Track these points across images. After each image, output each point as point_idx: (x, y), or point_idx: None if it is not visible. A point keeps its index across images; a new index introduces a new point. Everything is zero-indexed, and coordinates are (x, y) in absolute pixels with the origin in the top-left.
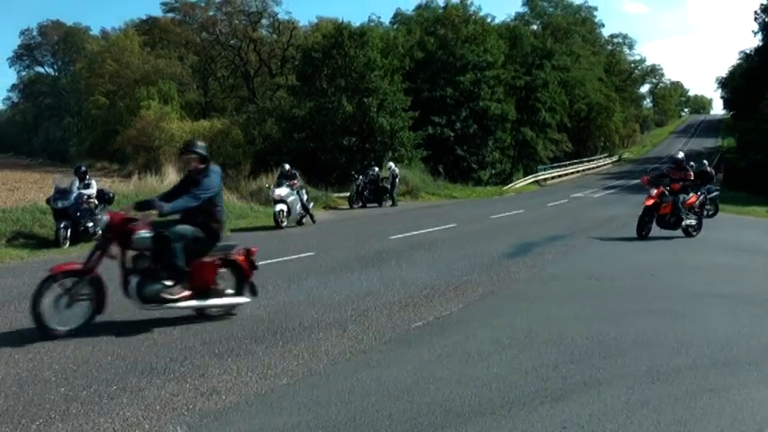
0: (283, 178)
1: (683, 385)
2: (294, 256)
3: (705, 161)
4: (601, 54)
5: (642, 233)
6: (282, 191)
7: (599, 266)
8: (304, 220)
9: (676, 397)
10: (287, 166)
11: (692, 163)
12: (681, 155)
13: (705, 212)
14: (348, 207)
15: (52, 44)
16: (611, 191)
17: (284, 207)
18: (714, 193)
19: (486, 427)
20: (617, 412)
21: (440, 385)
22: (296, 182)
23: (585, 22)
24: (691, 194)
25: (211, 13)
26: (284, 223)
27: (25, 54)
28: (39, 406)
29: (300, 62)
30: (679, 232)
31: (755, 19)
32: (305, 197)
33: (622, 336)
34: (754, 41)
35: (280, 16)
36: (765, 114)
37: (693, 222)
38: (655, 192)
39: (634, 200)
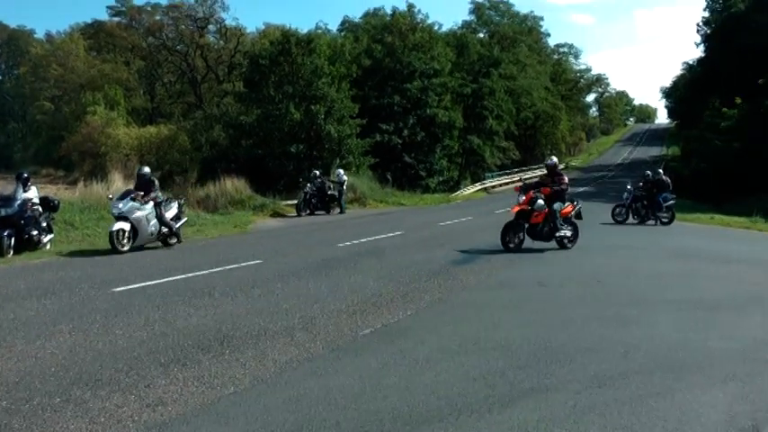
0: (138, 188)
1: (629, 390)
2: (242, 264)
3: (660, 170)
4: (547, 63)
5: (510, 245)
6: (124, 205)
7: (547, 273)
8: (171, 240)
9: (623, 401)
10: (146, 170)
11: (657, 170)
12: (553, 159)
13: (660, 219)
14: (296, 215)
15: None
16: None
17: (125, 226)
18: (670, 202)
19: None
20: (564, 417)
21: (387, 393)
22: (153, 193)
23: (532, 31)
24: (567, 204)
25: (158, 18)
26: (125, 247)
27: None
28: None
29: (248, 69)
30: (553, 243)
31: (698, 31)
32: (172, 212)
33: (570, 342)
34: (697, 52)
35: (227, 22)
36: (709, 123)
37: (569, 234)
38: (523, 198)
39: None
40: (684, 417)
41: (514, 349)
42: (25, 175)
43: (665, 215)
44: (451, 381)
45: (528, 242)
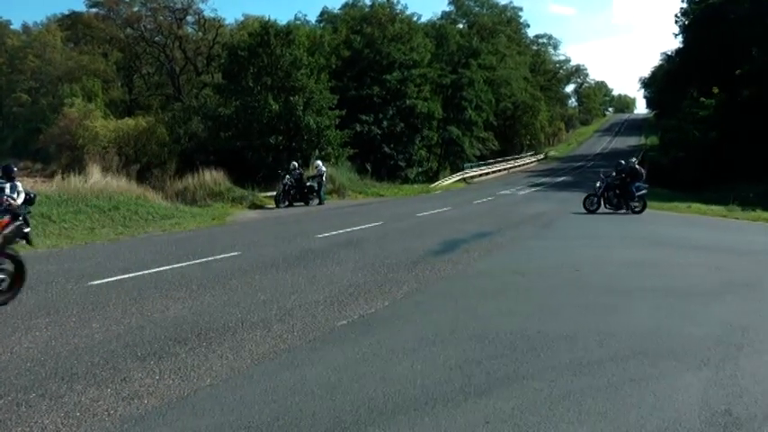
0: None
1: (604, 377)
2: (219, 256)
3: (634, 158)
4: (526, 54)
5: None
6: None
7: (524, 262)
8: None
9: (598, 388)
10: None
11: (630, 160)
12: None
13: (633, 208)
14: (275, 206)
15: None
16: (537, 188)
17: None
18: (642, 191)
19: (410, 423)
20: (539, 405)
21: (363, 383)
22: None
23: (511, 22)
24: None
25: (136, 9)
26: None
27: None
28: None
29: (226, 60)
30: None
31: (676, 22)
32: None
33: (546, 330)
34: (675, 43)
35: (205, 13)
36: (687, 113)
37: None
38: None
39: (559, 197)
40: (659, 402)
41: (491, 338)
42: (12, 167)
43: (636, 204)
44: (428, 370)
45: (506, 234)
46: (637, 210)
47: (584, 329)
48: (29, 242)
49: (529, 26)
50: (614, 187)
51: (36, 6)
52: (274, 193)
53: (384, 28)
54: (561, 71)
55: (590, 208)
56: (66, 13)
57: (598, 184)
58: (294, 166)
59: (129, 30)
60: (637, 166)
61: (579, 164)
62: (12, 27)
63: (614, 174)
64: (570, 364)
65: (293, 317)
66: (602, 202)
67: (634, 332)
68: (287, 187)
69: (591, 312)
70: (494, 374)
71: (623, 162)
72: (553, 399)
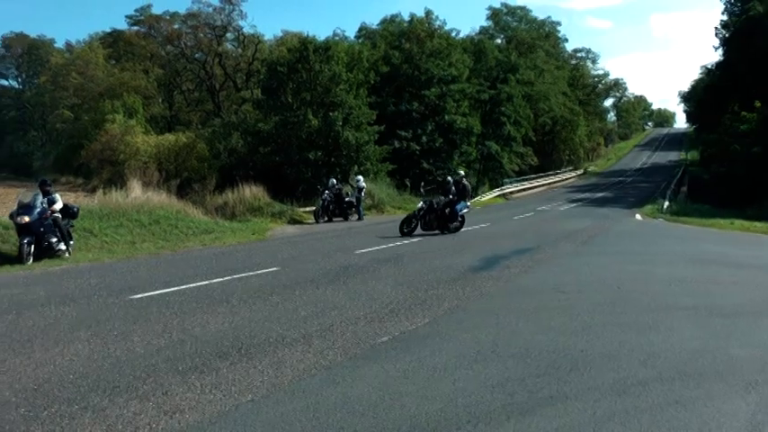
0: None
1: (649, 398)
2: (259, 271)
3: (462, 171)
4: (564, 68)
5: None
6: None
7: (565, 279)
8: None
9: (642, 410)
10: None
11: (457, 174)
12: None
13: (452, 230)
14: (314, 221)
15: (16, 57)
16: (577, 204)
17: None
18: (464, 210)
19: None
20: (584, 426)
21: (405, 401)
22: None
23: (549, 36)
24: None
25: (176, 26)
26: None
27: None
28: None
29: (265, 76)
30: None
31: (716, 34)
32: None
33: (589, 349)
34: (716, 56)
35: (245, 30)
36: (728, 127)
37: None
38: None
39: (598, 212)
40: (706, 426)
41: (533, 356)
42: (48, 182)
43: (457, 224)
44: (470, 389)
45: (546, 251)
46: (452, 228)
47: (626, 349)
48: (69, 253)
49: (567, 40)
50: (435, 211)
51: (79, 25)
52: (313, 209)
53: (422, 43)
54: (600, 85)
55: (405, 230)
56: (108, 31)
57: (420, 205)
58: (333, 182)
59: (169, 47)
60: (465, 182)
61: (619, 179)
62: (55, 45)
63: (442, 200)
64: (614, 384)
65: (334, 333)
66: (418, 225)
67: (678, 352)
68: (326, 202)
69: (633, 331)
70: (536, 393)
71: (450, 179)
72: (597, 420)
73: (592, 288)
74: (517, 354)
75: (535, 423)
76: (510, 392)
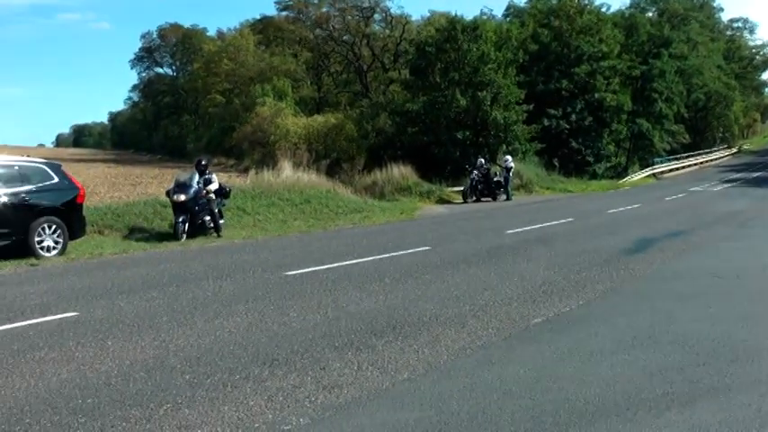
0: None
1: None
2: (410, 250)
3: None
4: (720, 40)
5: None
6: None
7: (722, 264)
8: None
9: None
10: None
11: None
12: None
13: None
14: (462, 201)
15: (171, 46)
16: (732, 184)
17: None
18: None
19: (611, 428)
20: (749, 421)
21: (562, 384)
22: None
23: (704, 6)
24: None
25: (324, 10)
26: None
27: (145, 56)
28: (165, 391)
29: (414, 56)
30: None
31: None
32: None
33: (752, 339)
34: None
35: (392, 11)
36: None
37: None
38: None
39: (756, 194)
40: None
41: (692, 344)
42: (204, 162)
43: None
44: (627, 375)
45: (701, 234)
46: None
47: None
48: (218, 233)
49: (722, 10)
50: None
51: (230, 13)
52: (462, 188)
53: (572, 20)
54: (758, 57)
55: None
56: (258, 17)
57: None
58: (481, 162)
59: (317, 30)
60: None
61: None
62: (208, 34)
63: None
64: None
65: (487, 313)
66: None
67: None
68: (474, 182)
69: None
70: (697, 384)
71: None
72: (763, 416)
73: (751, 274)
74: (675, 341)
75: (696, 415)
76: (669, 381)
